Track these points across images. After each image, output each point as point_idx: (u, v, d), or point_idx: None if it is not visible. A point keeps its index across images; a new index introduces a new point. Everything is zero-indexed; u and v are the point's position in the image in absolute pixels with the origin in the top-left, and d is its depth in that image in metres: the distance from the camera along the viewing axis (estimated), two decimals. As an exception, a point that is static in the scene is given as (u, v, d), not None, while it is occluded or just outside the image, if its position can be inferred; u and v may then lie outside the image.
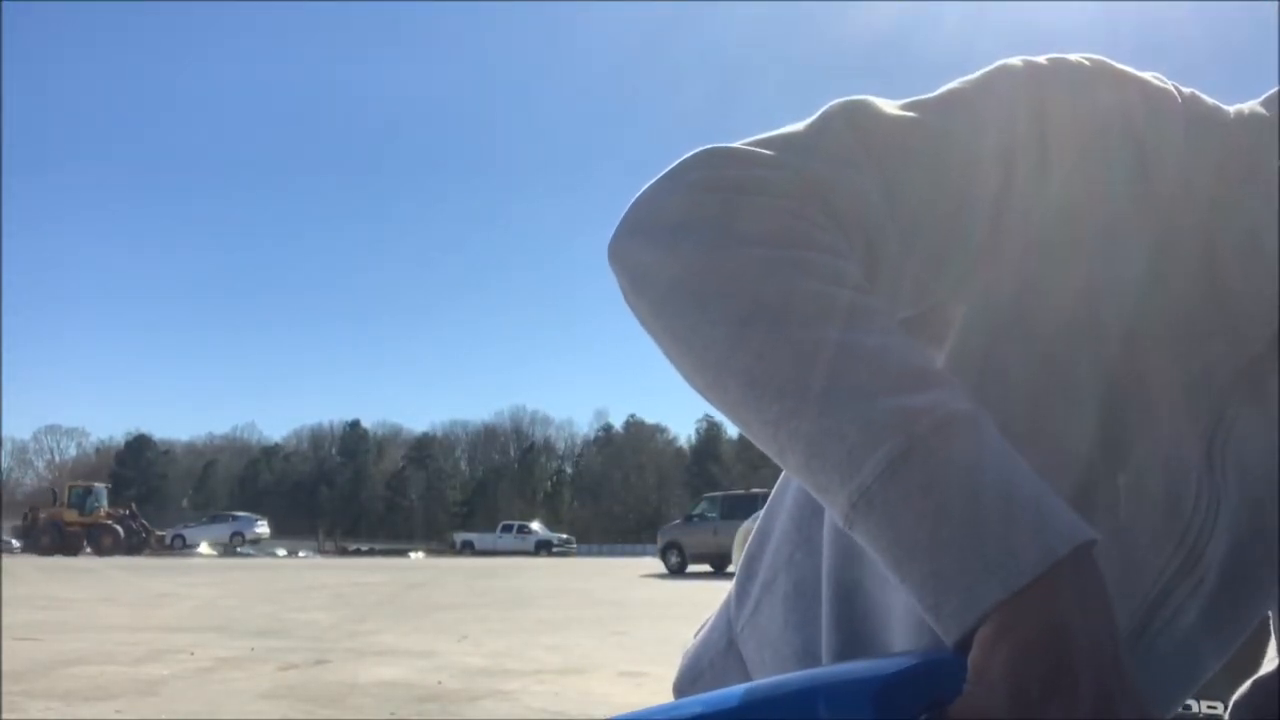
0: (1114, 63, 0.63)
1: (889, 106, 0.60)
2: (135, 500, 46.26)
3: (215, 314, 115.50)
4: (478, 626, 8.42)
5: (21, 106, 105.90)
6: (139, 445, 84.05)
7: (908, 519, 0.42)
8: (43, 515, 37.70)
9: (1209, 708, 1.88)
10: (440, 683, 5.04)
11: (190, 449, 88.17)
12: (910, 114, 0.59)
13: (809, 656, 0.68)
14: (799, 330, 0.47)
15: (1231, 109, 0.65)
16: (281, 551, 42.50)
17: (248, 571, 20.69)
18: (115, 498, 40.68)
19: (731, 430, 74.27)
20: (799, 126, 0.58)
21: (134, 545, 36.66)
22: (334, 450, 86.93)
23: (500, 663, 5.93)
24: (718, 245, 0.50)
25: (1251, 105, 0.66)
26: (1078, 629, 0.39)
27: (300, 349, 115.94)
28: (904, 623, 0.57)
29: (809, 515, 0.70)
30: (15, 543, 41.42)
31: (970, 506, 0.41)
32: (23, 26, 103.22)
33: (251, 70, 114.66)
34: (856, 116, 0.58)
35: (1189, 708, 1.95)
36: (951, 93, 0.62)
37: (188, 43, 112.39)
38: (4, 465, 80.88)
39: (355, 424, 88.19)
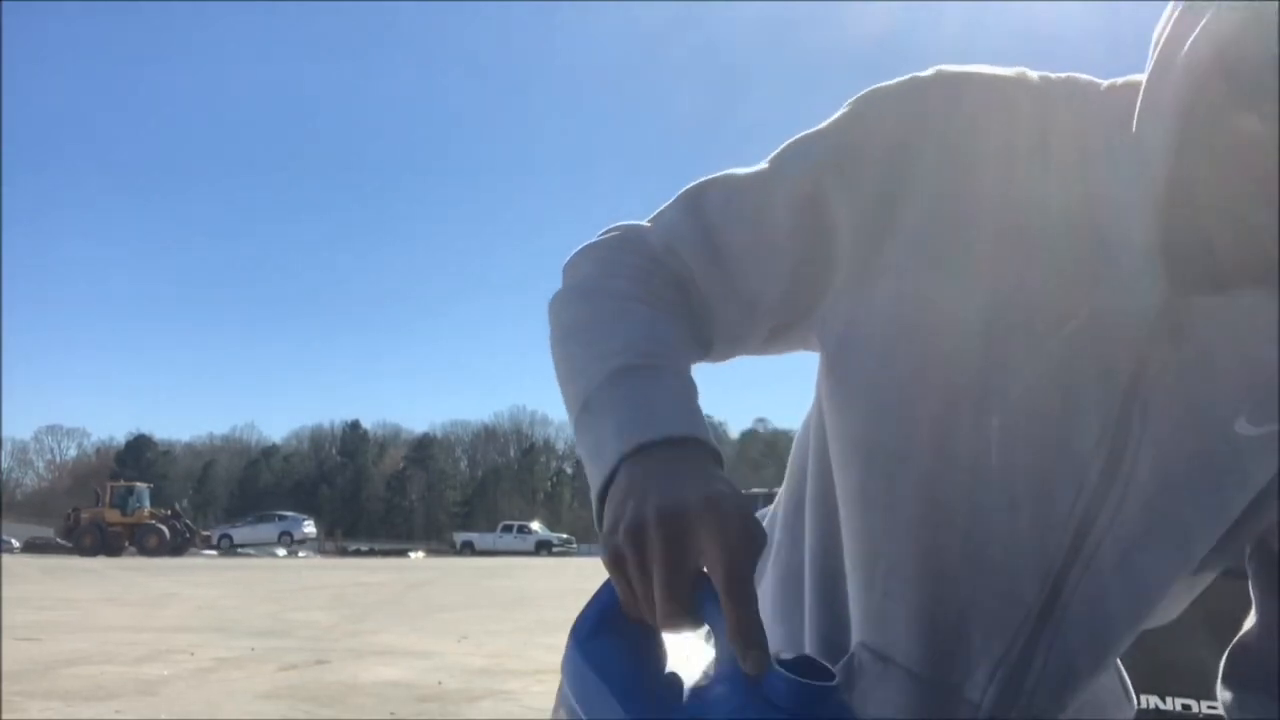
0: (993, 68, 0.66)
1: (737, 173, 0.70)
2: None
3: (215, 314, 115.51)
4: (478, 627, 8.42)
5: (21, 106, 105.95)
6: (139, 445, 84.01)
7: (582, 440, 0.61)
8: (85, 515, 37.47)
9: (1209, 708, 1.88)
10: (440, 683, 5.04)
11: (190, 449, 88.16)
12: (749, 173, 0.69)
13: (793, 645, 0.70)
14: (572, 343, 0.66)
15: (1105, 82, 0.66)
16: (281, 551, 42.42)
17: (248, 571, 20.68)
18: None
19: (731, 430, 74.36)
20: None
21: (178, 545, 36.36)
22: (334, 450, 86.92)
23: (500, 663, 5.93)
24: (558, 293, 0.71)
25: (1126, 78, 0.66)
26: (640, 488, 0.53)
27: (300, 349, 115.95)
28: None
29: (794, 509, 0.74)
30: (15, 542, 41.32)
31: (600, 428, 0.59)
32: (24, 27, 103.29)
33: (252, 70, 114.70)
34: (694, 191, 0.70)
35: (1189, 708, 1.94)
36: (805, 139, 0.68)
37: (188, 42, 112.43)
38: (4, 465, 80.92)
39: (355, 424, 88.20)
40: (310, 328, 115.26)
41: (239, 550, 39.86)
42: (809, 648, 0.70)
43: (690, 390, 0.61)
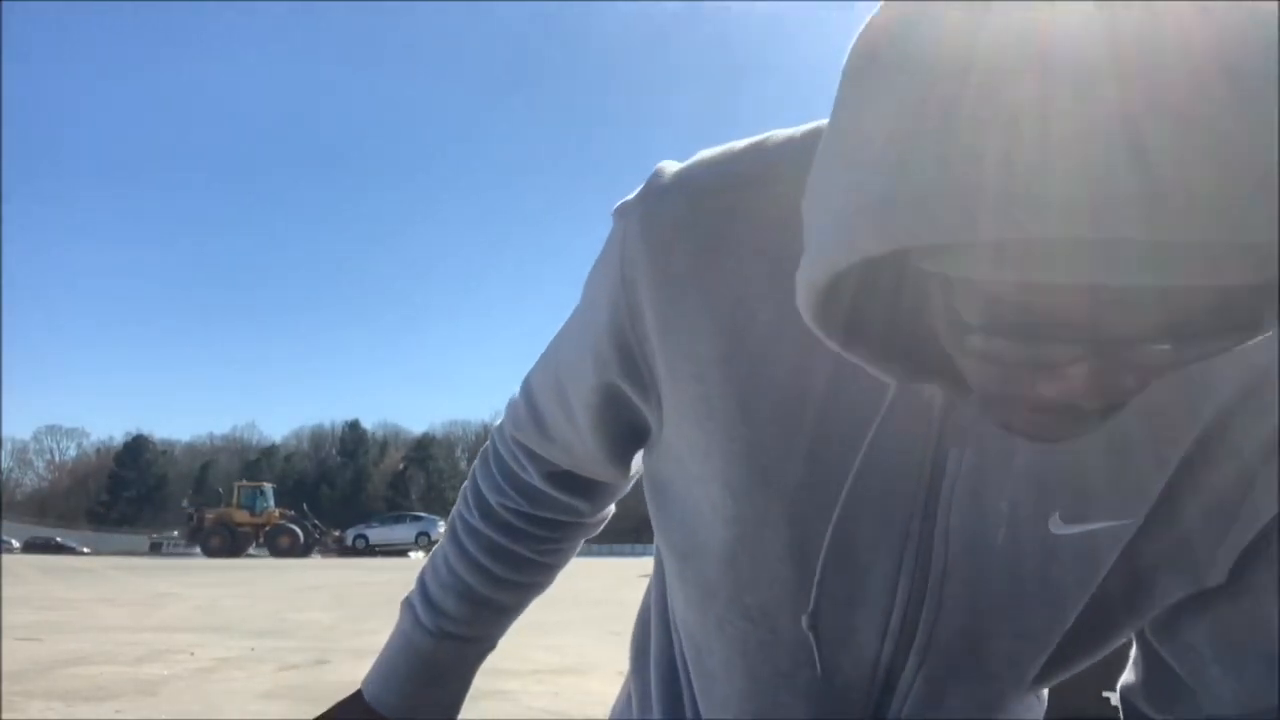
0: (716, 159, 0.55)
1: (548, 362, 0.69)
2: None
3: (215, 314, 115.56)
4: (478, 626, 8.41)
5: (22, 107, 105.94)
6: (139, 445, 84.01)
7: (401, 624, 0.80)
8: (210, 516, 37.25)
9: None
10: (440, 683, 5.05)
11: (190, 449, 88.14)
12: (553, 365, 0.68)
13: None
14: (442, 559, 0.78)
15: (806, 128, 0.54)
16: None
17: (248, 571, 20.68)
18: (114, 497, 40.31)
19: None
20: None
21: (307, 546, 36.05)
22: (334, 450, 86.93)
23: (500, 663, 5.92)
24: (472, 481, 0.79)
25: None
26: None
27: (300, 349, 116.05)
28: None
29: (664, 592, 0.70)
30: (15, 542, 41.24)
31: (389, 650, 0.80)
32: (24, 27, 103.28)
33: (254, 70, 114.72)
34: (526, 380, 0.72)
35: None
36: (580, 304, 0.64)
37: (188, 43, 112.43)
38: (4, 465, 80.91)
39: (355, 424, 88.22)
40: (310, 328, 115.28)
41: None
42: None
43: (439, 673, 0.78)
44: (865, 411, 0.52)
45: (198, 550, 36.85)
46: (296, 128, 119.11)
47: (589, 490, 0.74)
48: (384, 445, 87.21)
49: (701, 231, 0.53)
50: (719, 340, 0.53)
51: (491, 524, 0.75)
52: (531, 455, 0.73)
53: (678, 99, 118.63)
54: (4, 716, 4.23)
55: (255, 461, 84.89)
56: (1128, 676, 0.65)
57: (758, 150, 0.54)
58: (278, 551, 34.83)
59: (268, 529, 36.40)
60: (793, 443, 0.54)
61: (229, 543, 35.26)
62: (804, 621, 0.57)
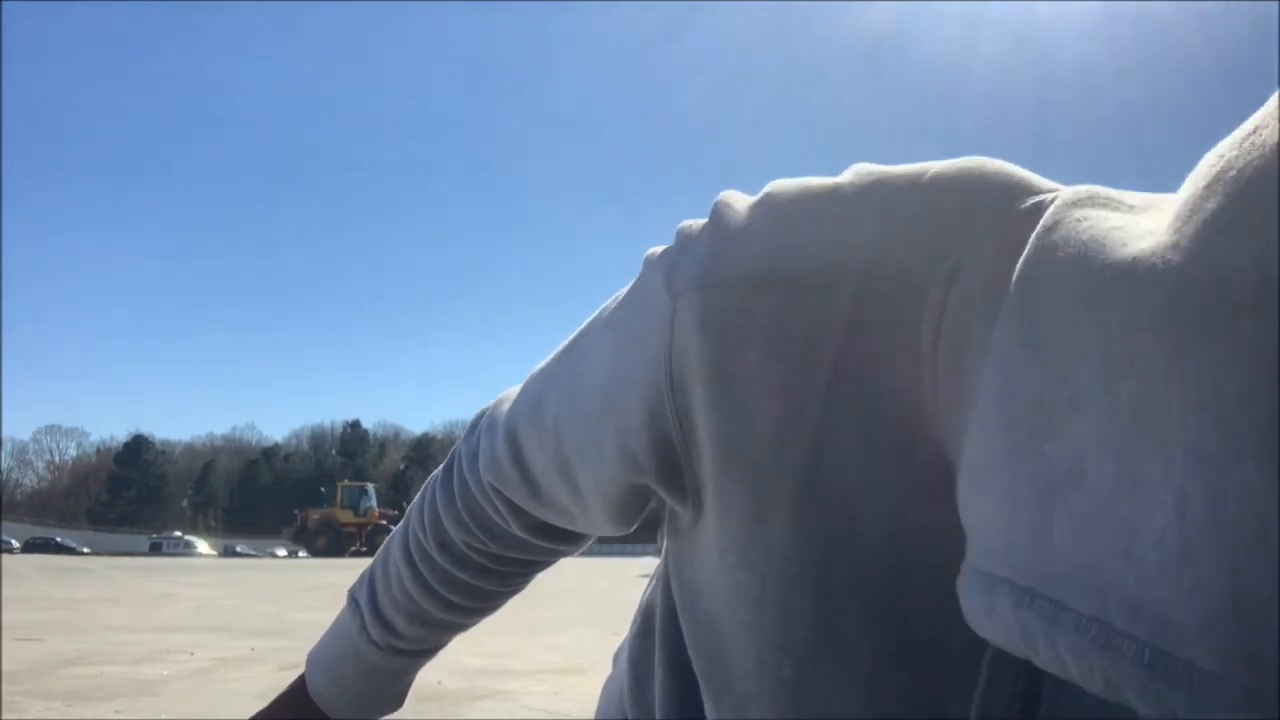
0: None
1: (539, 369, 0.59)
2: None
3: (215, 314, 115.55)
4: (477, 626, 8.39)
5: (22, 107, 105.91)
6: (139, 445, 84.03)
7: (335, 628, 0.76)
8: (314, 516, 36.93)
9: None
10: (440, 683, 5.03)
11: (190, 449, 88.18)
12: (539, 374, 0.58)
13: None
14: (398, 576, 0.71)
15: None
16: (281, 551, 42.39)
17: (248, 571, 20.68)
18: (114, 497, 40.28)
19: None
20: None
21: None
22: (334, 450, 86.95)
23: (500, 663, 5.92)
24: (438, 487, 0.70)
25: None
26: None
27: (300, 349, 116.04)
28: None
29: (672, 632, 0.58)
30: (15, 543, 41.20)
31: (325, 650, 0.76)
32: (24, 28, 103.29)
33: (254, 70, 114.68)
34: (510, 431, 0.60)
35: None
36: (602, 323, 0.53)
37: (186, 44, 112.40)
38: (4, 465, 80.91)
39: (355, 424, 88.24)
40: (310, 328, 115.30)
41: (238, 551, 39.40)
42: None
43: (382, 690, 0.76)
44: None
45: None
46: (297, 128, 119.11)
47: (580, 539, 0.65)
48: (384, 445, 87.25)
49: (778, 336, 0.41)
50: (789, 476, 0.42)
51: (450, 558, 0.67)
52: (515, 510, 0.61)
53: (678, 99, 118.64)
54: (4, 716, 4.23)
55: (255, 461, 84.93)
56: None
57: (872, 226, 0.40)
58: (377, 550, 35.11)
59: (369, 529, 35.90)
60: (858, 589, 0.43)
61: (333, 543, 34.96)
62: None
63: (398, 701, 0.79)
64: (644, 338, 0.46)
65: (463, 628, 0.76)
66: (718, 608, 0.48)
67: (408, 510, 0.72)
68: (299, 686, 0.75)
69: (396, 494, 79.78)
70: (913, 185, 0.40)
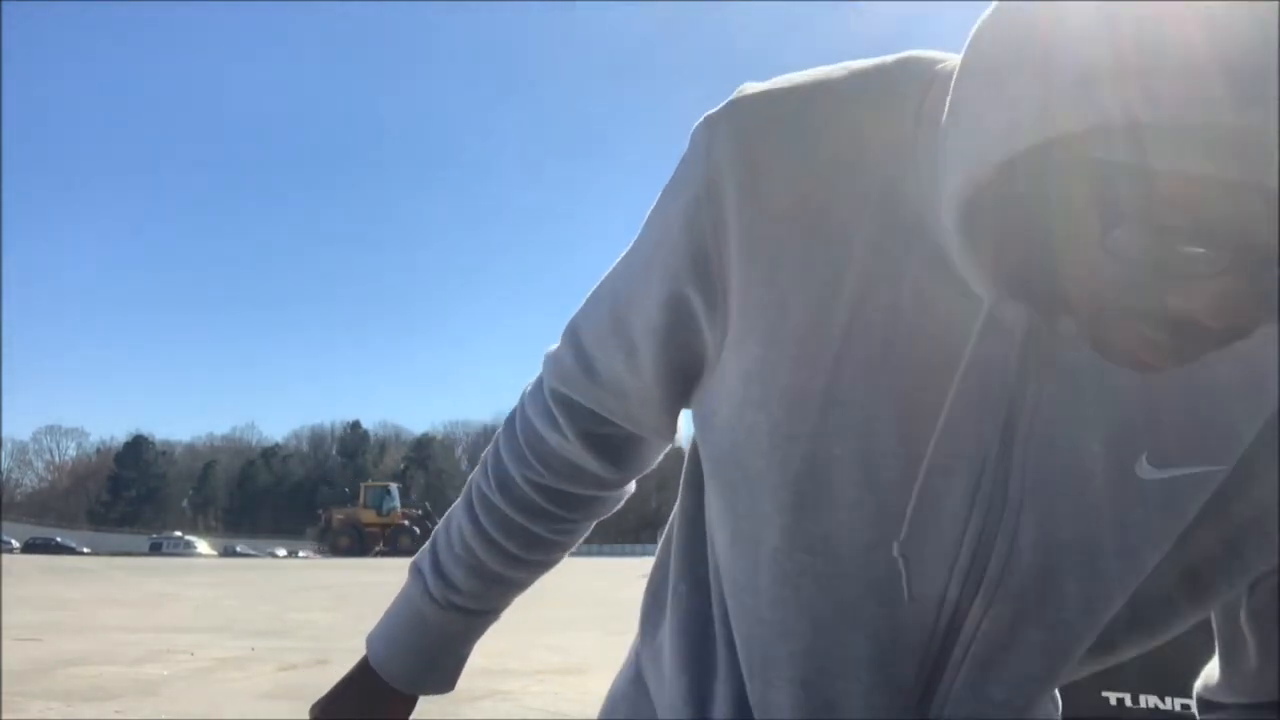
0: (791, 80, 0.54)
1: (603, 290, 0.65)
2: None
3: (215, 314, 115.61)
4: (478, 626, 8.40)
5: (23, 108, 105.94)
6: (138, 445, 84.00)
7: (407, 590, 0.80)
8: (338, 516, 36.81)
9: (1183, 705, 1.87)
10: (440, 683, 5.05)
11: (190, 449, 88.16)
12: (612, 288, 0.64)
13: (694, 702, 0.65)
14: (461, 538, 0.76)
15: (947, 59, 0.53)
16: (281, 551, 42.39)
17: (248, 571, 20.69)
18: (114, 497, 40.24)
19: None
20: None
21: None
22: (334, 450, 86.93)
23: (500, 663, 5.92)
24: (496, 446, 0.77)
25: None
26: (344, 696, 0.78)
27: (300, 350, 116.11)
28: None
29: (690, 548, 0.68)
30: (14, 543, 41.20)
31: (391, 618, 0.80)
32: (26, 28, 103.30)
33: (255, 70, 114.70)
34: (572, 323, 0.68)
35: (1188, 708, 1.93)
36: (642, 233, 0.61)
37: (188, 47, 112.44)
38: (4, 465, 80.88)
39: (355, 424, 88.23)
40: (310, 328, 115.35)
41: (238, 551, 39.36)
42: (721, 699, 0.64)
43: (451, 645, 0.79)
44: (952, 335, 0.50)
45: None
46: (298, 129, 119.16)
47: (621, 454, 0.71)
48: (384, 445, 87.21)
49: (796, 139, 0.52)
50: (804, 249, 0.52)
51: (509, 499, 0.73)
52: (571, 408, 0.68)
53: (680, 98, 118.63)
54: (4, 716, 4.23)
55: (255, 461, 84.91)
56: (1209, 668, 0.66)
57: (847, 71, 0.54)
58: (400, 551, 34.44)
59: (392, 529, 35.77)
60: (872, 358, 0.52)
61: (357, 543, 34.88)
62: (895, 549, 0.53)
63: (453, 675, 0.80)
64: (687, 171, 0.56)
65: (517, 587, 0.78)
66: (730, 403, 0.56)
67: (470, 474, 0.77)
68: (362, 665, 0.79)
69: (396, 494, 79.82)
70: (874, 66, 0.54)
